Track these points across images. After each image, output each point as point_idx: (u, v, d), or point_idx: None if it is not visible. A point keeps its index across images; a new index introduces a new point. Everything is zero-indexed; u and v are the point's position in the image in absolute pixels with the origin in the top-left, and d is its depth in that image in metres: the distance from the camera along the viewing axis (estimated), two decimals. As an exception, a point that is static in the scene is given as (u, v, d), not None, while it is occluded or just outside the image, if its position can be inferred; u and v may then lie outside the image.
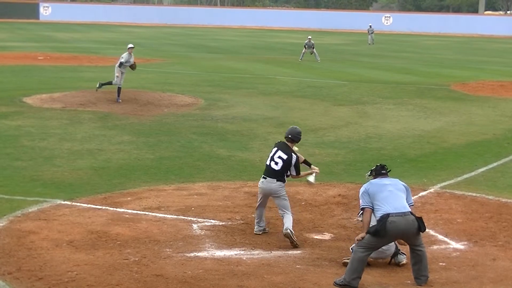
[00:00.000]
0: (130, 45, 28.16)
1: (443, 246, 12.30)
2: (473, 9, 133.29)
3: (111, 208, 13.87)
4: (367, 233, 10.26)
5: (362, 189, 10.63)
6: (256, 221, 12.68)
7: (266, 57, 53.00)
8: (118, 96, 27.79)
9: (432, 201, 15.08)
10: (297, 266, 11.11)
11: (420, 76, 41.45)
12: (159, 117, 24.88)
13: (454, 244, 12.39)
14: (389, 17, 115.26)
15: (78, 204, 14.18)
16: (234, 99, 29.80)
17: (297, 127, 12.76)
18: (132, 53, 27.82)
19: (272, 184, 12.35)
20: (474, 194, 15.75)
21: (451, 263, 11.45)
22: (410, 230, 10.25)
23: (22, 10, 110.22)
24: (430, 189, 16.12)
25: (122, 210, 13.78)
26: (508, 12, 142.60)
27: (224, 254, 11.54)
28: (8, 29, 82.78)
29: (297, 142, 12.54)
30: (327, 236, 12.69)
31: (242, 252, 11.68)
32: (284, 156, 12.29)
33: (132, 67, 28.06)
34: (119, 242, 11.87)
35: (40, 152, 19.08)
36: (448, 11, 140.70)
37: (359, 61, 51.29)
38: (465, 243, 12.45)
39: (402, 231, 10.20)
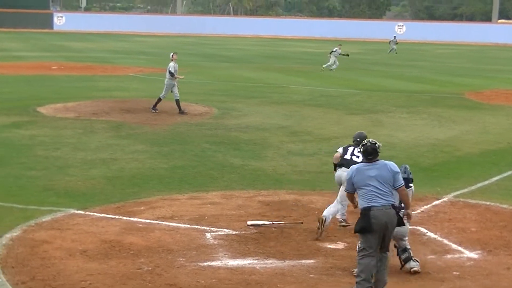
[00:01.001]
0: (172, 53, 27.94)
1: (457, 255, 12.26)
2: (487, 18, 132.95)
3: (125, 218, 13.89)
4: (355, 232, 10.44)
5: (349, 173, 10.67)
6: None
7: (279, 66, 53.03)
8: (180, 108, 27.36)
9: (445, 210, 15.04)
10: (311, 276, 11.09)
11: (434, 85, 41.38)
12: (172, 126, 24.92)
13: (468, 253, 12.34)
14: (402, 25, 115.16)
15: (92, 213, 14.20)
16: (247, 108, 29.81)
17: (363, 131, 14.33)
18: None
19: None
20: (488, 203, 15.69)
21: (465, 272, 11.40)
22: (391, 224, 10.31)
23: (36, 20, 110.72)
24: (444, 198, 16.07)
25: (135, 219, 13.79)
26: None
27: (238, 264, 11.53)
28: (22, 39, 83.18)
29: None
30: (340, 245, 12.67)
31: (255, 261, 11.66)
32: None
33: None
34: (132, 252, 11.89)
35: (53, 161, 19.13)
36: (461, 20, 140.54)
37: (372, 70, 51.24)
38: (479, 252, 12.40)
39: (385, 225, 10.23)
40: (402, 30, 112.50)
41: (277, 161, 19.89)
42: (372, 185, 10.34)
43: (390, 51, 71.76)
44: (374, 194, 10.30)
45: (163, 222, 13.60)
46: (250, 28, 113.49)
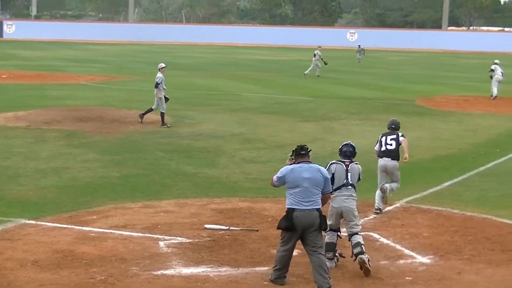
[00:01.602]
0: (162, 65, 27.49)
1: (409, 261, 12.36)
2: (437, 25, 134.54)
3: (77, 227, 13.75)
4: (278, 228, 11.08)
5: (283, 171, 11.11)
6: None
7: (232, 74, 53.06)
8: (163, 121, 26.77)
9: (398, 216, 15.16)
10: (264, 283, 11.09)
11: (386, 92, 41.75)
12: (125, 135, 24.78)
13: (421, 258, 12.45)
14: (354, 33, 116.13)
15: (43, 223, 14.03)
16: (201, 116, 29.77)
17: (396, 119, 16.79)
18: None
19: (389, 162, 16.00)
20: (440, 208, 15.86)
21: (418, 278, 11.50)
22: (313, 226, 10.82)
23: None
24: (397, 203, 16.20)
25: (88, 228, 13.67)
26: (471, 27, 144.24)
27: (191, 272, 11.49)
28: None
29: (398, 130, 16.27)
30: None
31: (209, 269, 11.63)
32: (394, 136, 16.13)
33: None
34: (85, 261, 11.77)
35: (4, 171, 18.89)
36: (412, 27, 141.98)
37: (325, 77, 51.52)
38: (431, 257, 12.51)
39: (305, 226, 10.80)
40: (354, 37, 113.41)
41: (231, 168, 19.89)
42: (303, 187, 10.85)
43: (359, 60, 71.24)
44: (302, 196, 10.82)
45: (116, 231, 13.50)
46: (203, 36, 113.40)
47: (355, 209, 12.18)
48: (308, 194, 10.84)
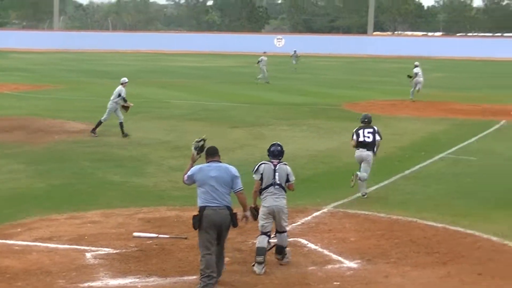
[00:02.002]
0: (125, 80, 27.30)
1: (337, 266, 12.43)
2: (363, 30, 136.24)
3: (0, 240, 13.46)
4: (193, 227, 11.23)
5: (192, 170, 11.41)
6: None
7: (159, 81, 52.80)
8: (123, 132, 26.39)
9: (325, 221, 15.25)
10: (193, 292, 11.05)
11: (314, 97, 42.05)
12: (50, 145, 24.41)
13: (348, 263, 12.54)
14: (281, 39, 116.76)
15: (-34, 237, 13.71)
16: (128, 124, 29.43)
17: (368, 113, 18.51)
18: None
19: (364, 153, 17.62)
20: (366, 213, 16.01)
21: (345, 282, 11.58)
22: (224, 224, 11.14)
23: None
24: (324, 208, 16.30)
25: (11, 242, 13.39)
26: (396, 32, 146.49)
27: (119, 283, 11.36)
28: None
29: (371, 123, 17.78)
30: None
31: (137, 280, 11.52)
32: (371, 130, 17.57)
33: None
34: (8, 275, 11.53)
35: None
36: (338, 32, 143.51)
37: (254, 83, 51.65)
38: (359, 261, 12.61)
39: (217, 224, 11.05)
40: (281, 43, 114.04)
41: (159, 177, 19.75)
42: (210, 185, 11.10)
43: (295, 67, 70.48)
44: (211, 194, 11.06)
45: (41, 244, 13.26)
46: (129, 43, 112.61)
47: (285, 207, 12.39)
48: (217, 193, 11.10)
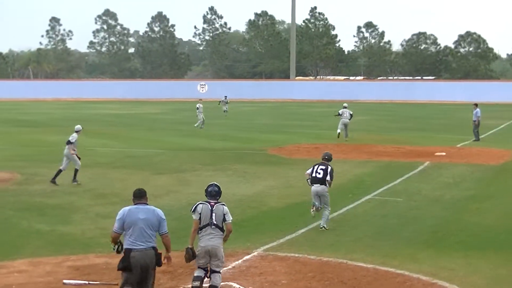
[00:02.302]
0: (80, 127, 27.80)
1: (269, 308, 12.47)
2: (285, 75, 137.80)
3: None
4: (118, 269, 11.48)
5: (120, 213, 11.62)
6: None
7: (84, 129, 52.09)
8: (75, 177, 26.66)
9: (256, 265, 15.30)
10: None
11: (239, 142, 42.24)
12: (-28, 195, 23.91)
13: (280, 305, 12.59)
14: (204, 85, 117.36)
15: None
16: (52, 172, 29.08)
17: (328, 151, 20.84)
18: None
19: (319, 187, 19.17)
20: (296, 255, 16.12)
21: (279, 324, 11.60)
22: (150, 265, 11.36)
23: None
24: (254, 252, 16.36)
25: None
26: (318, 77, 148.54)
27: (49, 333, 11.20)
28: None
29: (330, 161, 19.73)
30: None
31: (67, 329, 11.38)
32: (324, 167, 19.25)
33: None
34: None
35: None
36: (261, 78, 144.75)
37: (178, 130, 51.68)
38: (291, 303, 12.67)
39: (143, 266, 11.25)
40: (204, 89, 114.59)
41: (86, 224, 19.56)
42: (139, 227, 11.28)
43: (225, 111, 70.58)
44: (139, 236, 11.25)
45: (-33, 296, 12.99)
46: (51, 91, 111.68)
47: (221, 247, 12.55)
48: (144, 234, 11.28)
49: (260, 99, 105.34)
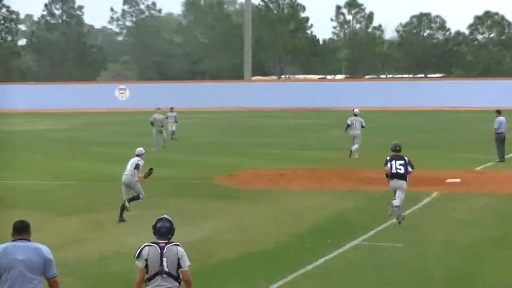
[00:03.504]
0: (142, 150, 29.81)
1: None
2: (238, 75, 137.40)
3: None
4: None
5: None
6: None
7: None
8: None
9: None
10: None
11: (174, 168, 42.04)
12: None
13: None
14: (125, 89, 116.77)
15: None
16: None
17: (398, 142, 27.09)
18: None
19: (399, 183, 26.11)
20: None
21: None
22: None
23: None
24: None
25: None
26: (283, 76, 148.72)
27: None
28: None
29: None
30: None
31: None
32: (402, 161, 26.04)
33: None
34: None
35: None
36: (204, 78, 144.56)
37: (90, 152, 51.44)
38: None
39: None
40: (124, 95, 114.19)
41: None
42: (18, 271, 11.43)
43: (172, 136, 65.65)
44: (18, 282, 11.38)
45: None
46: None
47: None
48: (24, 280, 11.40)
49: (203, 108, 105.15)
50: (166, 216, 13.35)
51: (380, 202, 30.87)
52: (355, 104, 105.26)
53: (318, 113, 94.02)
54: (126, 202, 27.91)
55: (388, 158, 26.19)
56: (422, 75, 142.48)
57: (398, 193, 25.85)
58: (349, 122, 46.27)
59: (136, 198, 28.63)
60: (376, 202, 31.11)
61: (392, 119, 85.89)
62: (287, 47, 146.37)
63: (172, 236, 13.07)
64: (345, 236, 24.71)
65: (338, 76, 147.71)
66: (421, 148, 51.80)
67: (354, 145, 45.86)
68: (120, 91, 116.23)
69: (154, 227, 13.12)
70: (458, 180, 36.23)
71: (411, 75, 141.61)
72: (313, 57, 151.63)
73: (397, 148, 26.37)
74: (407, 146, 50.35)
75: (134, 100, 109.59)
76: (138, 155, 29.12)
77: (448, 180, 36.04)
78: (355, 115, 46.85)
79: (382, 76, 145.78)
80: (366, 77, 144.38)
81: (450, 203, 30.58)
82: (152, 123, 54.48)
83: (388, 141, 56.51)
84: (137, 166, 28.53)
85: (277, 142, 58.39)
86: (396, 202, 25.77)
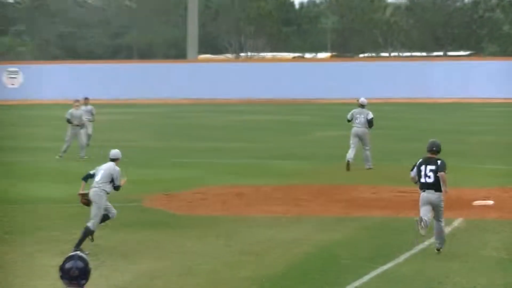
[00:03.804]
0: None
1: None
2: (179, 53, 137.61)
3: None
4: None
5: None
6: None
7: None
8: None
9: None
10: None
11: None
12: None
13: None
14: (18, 72, 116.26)
15: None
16: None
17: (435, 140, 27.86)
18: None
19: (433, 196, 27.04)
20: None
21: None
22: None
23: None
24: None
25: None
26: (243, 55, 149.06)
27: None
28: None
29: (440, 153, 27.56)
30: None
31: None
32: (434, 167, 26.88)
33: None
34: None
35: None
36: (132, 58, 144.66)
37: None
38: None
39: None
40: (16, 81, 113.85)
41: None
42: None
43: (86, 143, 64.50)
44: None
45: None
46: None
47: None
48: None
49: (131, 100, 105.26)
50: (78, 253, 13.23)
51: (379, 233, 31.09)
52: (345, 94, 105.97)
53: (294, 107, 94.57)
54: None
55: (418, 161, 27.22)
56: (441, 53, 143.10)
57: (428, 209, 26.64)
58: (349, 116, 45.73)
59: (106, 218, 29.48)
60: (373, 232, 31.32)
61: (399, 114, 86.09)
62: (249, 14, 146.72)
63: (86, 282, 13.00)
64: (331, 282, 24.87)
65: (322, 55, 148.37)
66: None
67: (352, 150, 45.33)
68: (10, 75, 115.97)
69: (62, 269, 13.02)
70: (490, 202, 36.40)
71: (424, 53, 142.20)
72: (286, 28, 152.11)
73: (434, 148, 27.27)
74: (420, 154, 50.94)
75: (29, 88, 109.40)
76: (113, 160, 30.02)
77: (476, 202, 36.25)
78: (362, 105, 46.05)
79: (383, 54, 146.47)
80: (361, 55, 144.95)
81: (478, 234, 30.80)
82: (68, 121, 53.72)
83: (393, 146, 57.16)
84: (112, 180, 29.29)
85: (236, 147, 58.73)
86: (424, 216, 26.50)
